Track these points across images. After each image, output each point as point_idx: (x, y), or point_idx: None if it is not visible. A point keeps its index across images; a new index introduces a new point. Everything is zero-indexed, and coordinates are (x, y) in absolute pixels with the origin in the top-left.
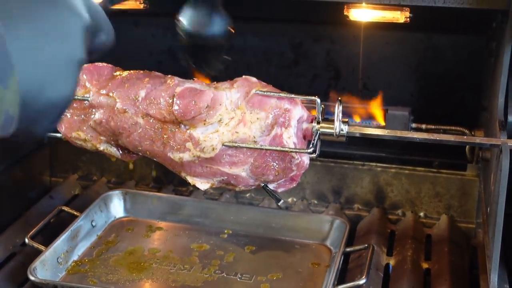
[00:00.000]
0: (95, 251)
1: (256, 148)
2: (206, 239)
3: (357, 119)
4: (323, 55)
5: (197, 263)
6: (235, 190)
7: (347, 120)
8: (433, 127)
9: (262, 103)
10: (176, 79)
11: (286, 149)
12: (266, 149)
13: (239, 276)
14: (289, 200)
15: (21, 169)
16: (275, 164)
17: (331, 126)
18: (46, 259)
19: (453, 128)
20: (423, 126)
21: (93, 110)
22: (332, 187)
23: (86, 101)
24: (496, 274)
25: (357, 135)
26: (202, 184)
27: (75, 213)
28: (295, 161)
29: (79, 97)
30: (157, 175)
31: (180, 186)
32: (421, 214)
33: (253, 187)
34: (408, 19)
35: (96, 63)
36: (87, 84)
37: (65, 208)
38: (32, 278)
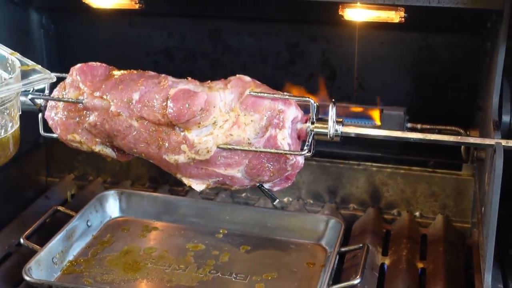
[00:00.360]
0: (91, 251)
1: (251, 150)
2: (202, 239)
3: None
4: (319, 55)
5: (192, 263)
6: (231, 190)
7: (341, 120)
8: (428, 126)
9: (256, 104)
10: (170, 80)
11: (281, 151)
12: (261, 151)
13: (234, 276)
14: (285, 199)
15: (17, 169)
16: (270, 165)
17: (326, 126)
18: (41, 259)
19: (448, 128)
20: (419, 126)
21: (88, 112)
22: (327, 187)
23: (81, 104)
24: (490, 274)
25: (352, 135)
26: (198, 185)
27: (71, 213)
28: (289, 162)
29: (73, 100)
30: (153, 175)
31: (175, 186)
32: (417, 213)
33: (248, 187)
34: (403, 19)
35: (90, 63)
36: (81, 85)
37: (61, 208)
38: (27, 278)
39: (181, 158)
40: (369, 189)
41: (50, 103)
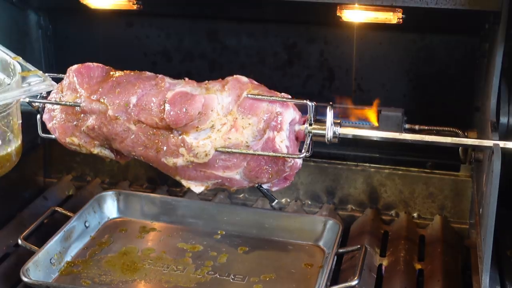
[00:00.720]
0: (88, 252)
1: (249, 154)
2: (200, 240)
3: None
4: (317, 55)
5: (190, 264)
6: (230, 190)
7: (339, 121)
8: (426, 127)
9: (253, 107)
10: (167, 81)
11: (279, 154)
12: (259, 155)
13: (232, 277)
14: (283, 200)
15: (15, 169)
16: (268, 167)
17: (323, 127)
18: (39, 260)
19: (446, 128)
20: (416, 127)
21: (85, 116)
22: (325, 188)
23: (78, 107)
24: (487, 275)
25: (350, 136)
26: (197, 187)
27: (69, 213)
28: (288, 164)
29: (71, 103)
30: (151, 176)
31: (174, 186)
32: (415, 214)
33: (247, 187)
34: (401, 20)
35: (87, 64)
36: (78, 88)
37: (59, 209)
38: (25, 279)
39: (180, 161)
40: (367, 190)
41: (48, 105)
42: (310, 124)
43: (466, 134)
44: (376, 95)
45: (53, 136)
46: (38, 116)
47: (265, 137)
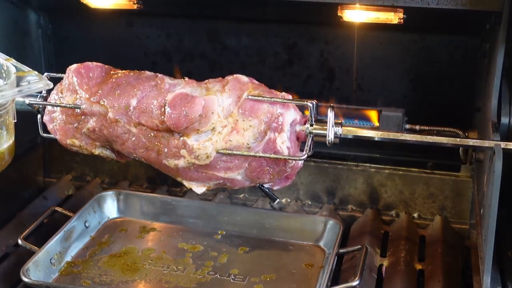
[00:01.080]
0: (88, 252)
1: (250, 155)
2: (200, 240)
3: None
4: (317, 55)
5: (191, 264)
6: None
7: (340, 121)
8: (426, 128)
9: (254, 109)
10: (167, 82)
11: (280, 156)
12: (260, 157)
13: (233, 277)
14: (283, 200)
15: (14, 169)
16: (269, 168)
17: (324, 127)
18: (39, 260)
19: (446, 129)
20: (417, 127)
21: (86, 117)
22: (326, 188)
23: (78, 109)
24: (489, 276)
25: (350, 136)
26: (199, 188)
27: (69, 213)
28: (289, 164)
29: (71, 105)
30: (151, 176)
31: (174, 186)
32: (415, 215)
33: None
34: (401, 20)
35: (86, 63)
36: (78, 89)
37: (58, 209)
38: (25, 279)
39: (181, 163)
40: (367, 190)
41: (48, 107)
42: (311, 125)
43: (466, 134)
44: (376, 95)
45: (53, 136)
46: (39, 116)
47: (266, 138)
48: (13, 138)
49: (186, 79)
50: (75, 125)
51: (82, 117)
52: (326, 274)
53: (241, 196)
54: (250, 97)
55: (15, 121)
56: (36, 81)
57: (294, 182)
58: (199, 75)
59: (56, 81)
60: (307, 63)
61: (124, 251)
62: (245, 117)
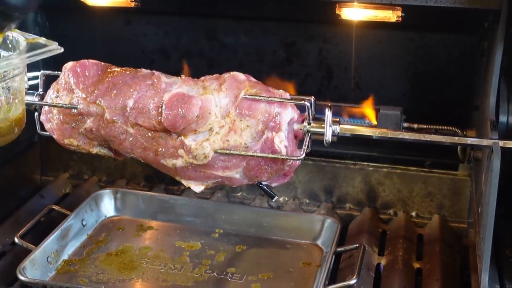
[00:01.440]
0: (85, 251)
1: (248, 155)
2: (197, 239)
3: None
4: (316, 54)
5: (188, 263)
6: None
7: (338, 120)
8: (425, 126)
9: (251, 109)
10: (163, 81)
11: (278, 156)
12: (258, 156)
13: (230, 275)
14: (281, 199)
15: (11, 167)
16: (267, 167)
17: (322, 125)
18: (36, 258)
19: (445, 127)
20: (415, 125)
21: (83, 117)
22: (323, 187)
23: (75, 109)
24: (487, 274)
25: (348, 135)
26: (197, 187)
27: (66, 212)
28: (287, 163)
29: (68, 106)
30: (148, 174)
31: (171, 185)
32: (413, 213)
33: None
34: (400, 18)
35: (82, 61)
36: (74, 88)
37: (55, 207)
38: (21, 277)
39: (179, 163)
40: (365, 189)
41: (45, 107)
42: (309, 123)
43: (465, 133)
44: (374, 93)
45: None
46: (36, 114)
47: (264, 138)
48: (23, 107)
49: (183, 77)
50: (72, 125)
51: (79, 117)
52: (323, 273)
53: (238, 194)
54: (247, 96)
55: (28, 87)
56: (47, 45)
57: (292, 181)
58: (197, 74)
59: (52, 80)
60: (305, 61)
61: (121, 249)
62: (242, 117)
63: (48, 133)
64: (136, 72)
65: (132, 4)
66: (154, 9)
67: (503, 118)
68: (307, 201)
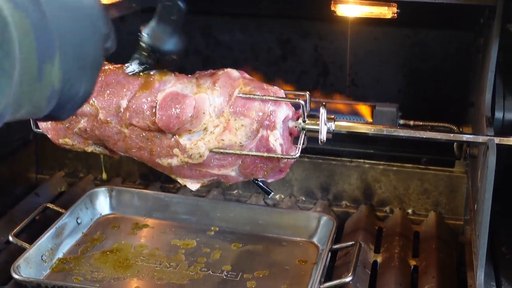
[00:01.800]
0: (80, 249)
1: (243, 154)
2: (193, 236)
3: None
4: (311, 51)
5: (183, 261)
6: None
7: (333, 117)
8: (421, 123)
9: (245, 107)
10: (156, 81)
11: (272, 155)
12: (253, 155)
13: (225, 273)
14: (277, 197)
15: (6, 166)
16: (263, 165)
17: (317, 122)
18: (30, 256)
19: (441, 124)
20: (411, 122)
21: (77, 117)
22: (320, 184)
23: None
24: (482, 272)
25: (344, 132)
26: (193, 185)
27: (60, 210)
28: (282, 160)
29: None
30: (144, 172)
31: (167, 183)
32: (409, 211)
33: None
34: (395, 15)
35: None
36: None
37: (50, 205)
38: (15, 276)
39: (174, 161)
40: (361, 186)
41: None
42: (304, 121)
43: (461, 129)
44: (370, 90)
45: None
46: None
47: (259, 136)
48: None
49: (177, 74)
50: (66, 125)
51: (73, 117)
52: (319, 270)
53: (234, 192)
54: (241, 95)
55: None
56: None
57: (288, 178)
58: (192, 71)
59: None
60: (300, 58)
61: (116, 247)
62: (236, 116)
63: (41, 131)
64: None
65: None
66: (148, 7)
67: (498, 115)
68: (303, 198)
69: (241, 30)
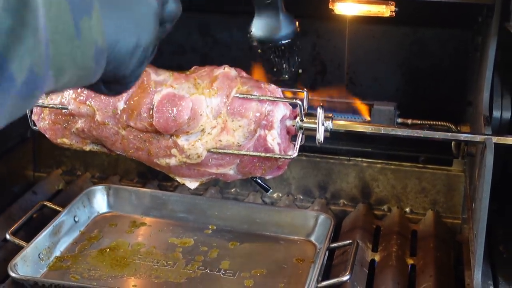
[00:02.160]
0: (78, 247)
1: (241, 154)
2: (190, 235)
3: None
4: (309, 49)
5: (181, 259)
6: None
7: (331, 115)
8: (418, 122)
9: (243, 108)
10: (152, 80)
11: (270, 155)
12: (251, 155)
13: (223, 272)
14: (275, 195)
15: (4, 163)
16: (261, 163)
17: (315, 121)
18: (28, 255)
19: (438, 123)
20: (409, 121)
21: (75, 118)
22: (317, 182)
23: (66, 109)
24: (480, 271)
25: (342, 131)
26: (192, 183)
27: (58, 208)
28: (280, 159)
29: (58, 106)
30: (142, 170)
31: (164, 181)
32: (407, 209)
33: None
34: (393, 13)
35: None
36: None
37: (48, 204)
38: (12, 274)
39: (173, 161)
40: (359, 185)
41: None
42: (301, 120)
43: (459, 128)
44: (368, 89)
45: None
46: (28, 110)
47: (257, 136)
48: None
49: (174, 73)
50: (64, 125)
51: (71, 117)
52: (317, 269)
53: (232, 190)
54: (238, 95)
55: None
56: None
57: (286, 177)
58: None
59: None
60: (299, 57)
61: (113, 246)
62: (234, 117)
63: (39, 129)
64: None
65: None
66: None
67: (496, 114)
68: (301, 197)
69: (239, 28)
